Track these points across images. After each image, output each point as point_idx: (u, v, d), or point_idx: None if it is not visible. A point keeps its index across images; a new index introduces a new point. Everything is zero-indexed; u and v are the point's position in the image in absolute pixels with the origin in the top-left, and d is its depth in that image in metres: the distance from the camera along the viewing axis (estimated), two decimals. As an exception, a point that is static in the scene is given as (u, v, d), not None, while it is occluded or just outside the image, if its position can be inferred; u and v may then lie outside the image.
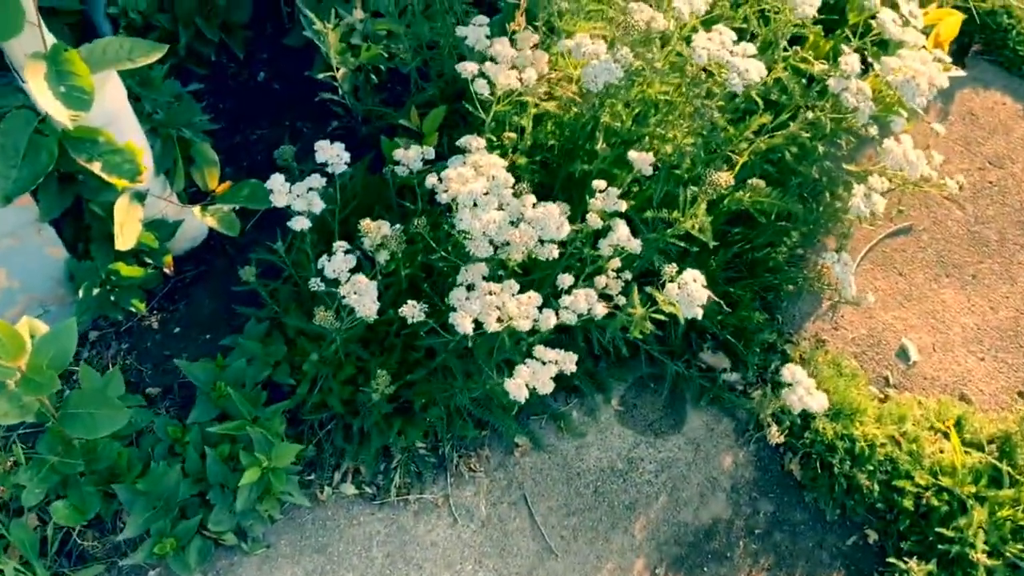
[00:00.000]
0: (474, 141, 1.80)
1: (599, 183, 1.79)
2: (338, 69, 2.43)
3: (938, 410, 2.32)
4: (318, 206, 1.84)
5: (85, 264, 2.24)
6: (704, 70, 1.86)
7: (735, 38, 1.84)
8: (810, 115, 2.20)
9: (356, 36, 2.60)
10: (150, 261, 2.35)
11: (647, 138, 2.03)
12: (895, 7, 2.42)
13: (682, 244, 2.04)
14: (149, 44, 2.01)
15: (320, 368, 2.07)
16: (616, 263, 1.84)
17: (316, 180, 1.86)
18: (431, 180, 1.76)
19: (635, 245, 1.80)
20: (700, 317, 1.76)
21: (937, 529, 2.05)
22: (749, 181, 2.14)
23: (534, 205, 1.70)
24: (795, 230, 2.40)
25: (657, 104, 1.98)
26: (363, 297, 1.74)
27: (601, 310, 1.74)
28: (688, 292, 1.75)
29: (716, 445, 2.29)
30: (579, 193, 2.08)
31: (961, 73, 2.62)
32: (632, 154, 1.85)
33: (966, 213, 2.79)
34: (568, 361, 1.76)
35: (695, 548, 2.13)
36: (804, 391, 2.01)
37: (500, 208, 1.69)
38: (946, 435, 2.26)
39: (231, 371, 2.12)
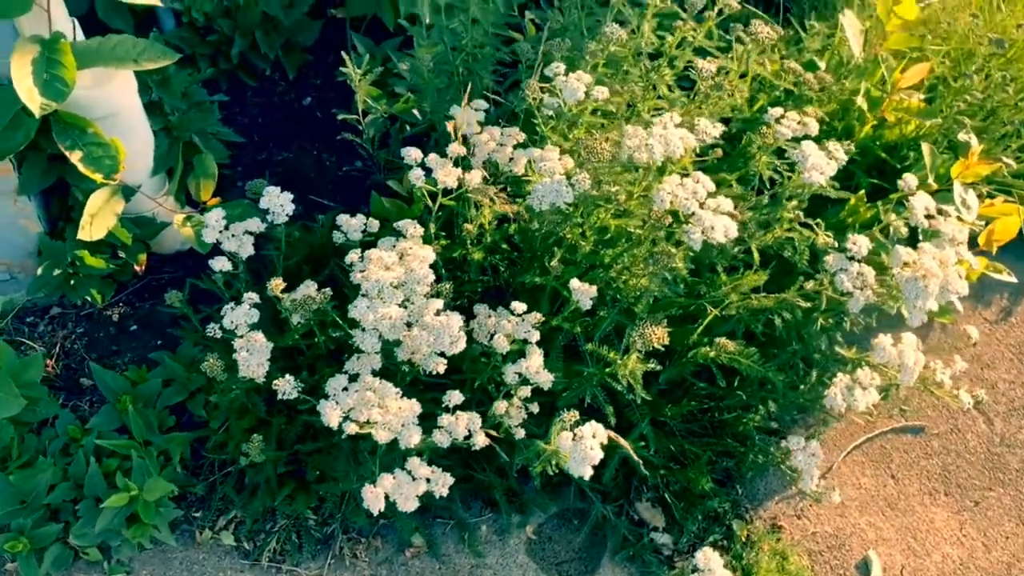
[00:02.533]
0: (411, 227, 1.71)
1: (518, 305, 1.66)
2: (365, 114, 2.39)
3: (880, 644, 2.04)
4: (247, 251, 1.79)
5: (56, 244, 2.26)
6: (675, 215, 1.70)
7: (711, 189, 1.68)
8: (809, 285, 2.00)
9: (401, 85, 2.57)
10: (123, 255, 2.36)
11: (606, 268, 1.88)
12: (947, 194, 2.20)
13: (617, 386, 1.87)
14: (161, 49, 2.02)
15: (229, 410, 2.01)
16: (525, 391, 1.70)
17: (254, 224, 1.81)
18: (352, 256, 1.68)
19: (545, 378, 1.65)
20: (587, 477, 1.59)
21: None
22: (717, 340, 1.96)
23: (438, 312, 1.58)
24: (772, 400, 2.18)
25: (620, 236, 1.84)
26: (253, 356, 1.66)
27: (481, 440, 1.60)
28: (583, 447, 1.59)
29: (620, 608, 2.08)
30: (537, 302, 1.95)
31: (1010, 279, 2.34)
32: (574, 283, 1.71)
33: (992, 429, 2.48)
34: (442, 483, 1.63)
35: None
36: (714, 580, 1.81)
37: (404, 304, 1.58)
38: (877, 676, 1.99)
39: (145, 387, 2.08)
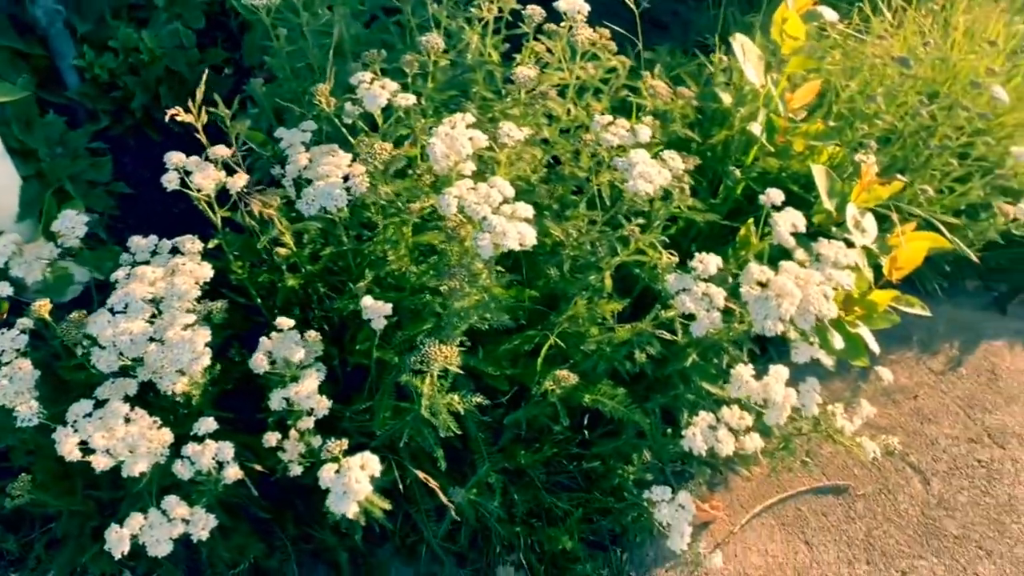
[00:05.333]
0: (188, 243, 1.58)
1: (284, 321, 1.49)
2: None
3: None
4: (33, 277, 1.67)
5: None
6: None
7: (509, 194, 1.51)
8: (666, 314, 1.79)
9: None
10: (-18, 302, 2.27)
11: (433, 291, 1.71)
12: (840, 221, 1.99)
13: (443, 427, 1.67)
14: (7, 87, 1.98)
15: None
16: (307, 423, 1.52)
17: (48, 249, 1.70)
18: (119, 274, 1.55)
19: (322, 406, 1.47)
20: (349, 515, 1.38)
21: None
22: (557, 372, 1.75)
23: (186, 327, 1.42)
24: (648, 448, 1.94)
25: (443, 254, 1.67)
26: (12, 385, 1.52)
27: (232, 474, 1.41)
28: (346, 481, 1.39)
29: None
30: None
31: (924, 313, 2.08)
32: (365, 301, 1.55)
33: (928, 490, 2.17)
34: (202, 526, 1.44)
35: None
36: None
37: (152, 320, 1.44)
38: None
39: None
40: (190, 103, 1.62)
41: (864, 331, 2.06)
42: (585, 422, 2.03)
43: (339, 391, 1.89)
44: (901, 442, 2.25)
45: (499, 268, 1.62)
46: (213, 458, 1.38)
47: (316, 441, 1.49)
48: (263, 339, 1.49)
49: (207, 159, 1.58)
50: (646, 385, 2.04)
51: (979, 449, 2.26)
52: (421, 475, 1.63)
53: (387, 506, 1.58)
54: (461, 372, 1.76)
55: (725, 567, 2.00)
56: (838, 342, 2.02)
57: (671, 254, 1.74)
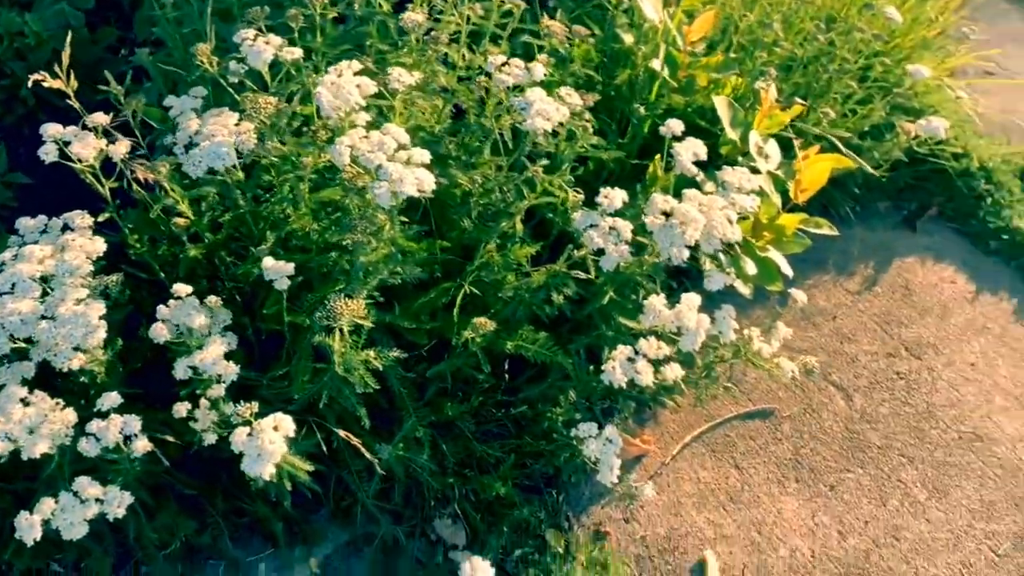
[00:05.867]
0: (79, 218, 1.52)
1: (181, 287, 1.46)
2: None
3: (710, 655, 1.77)
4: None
5: None
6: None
7: (404, 141, 1.49)
8: (578, 253, 1.80)
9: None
10: None
11: (341, 249, 1.69)
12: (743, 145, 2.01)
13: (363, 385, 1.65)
14: None
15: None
16: (218, 390, 1.49)
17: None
18: (6, 255, 1.49)
19: (229, 371, 1.44)
20: (266, 476, 1.36)
21: None
22: (475, 320, 1.75)
23: (78, 302, 1.38)
24: (572, 389, 1.95)
25: (331, 207, 1.65)
26: None
27: (141, 447, 1.38)
28: (259, 443, 1.37)
29: (410, 641, 1.82)
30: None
31: (832, 232, 2.12)
32: (266, 261, 1.51)
33: (851, 406, 2.23)
34: (118, 503, 1.41)
35: None
36: (484, 597, 1.56)
37: (43, 299, 1.39)
38: None
39: None
40: (57, 69, 1.55)
41: (776, 255, 2.10)
42: (511, 369, 2.04)
43: (256, 360, 1.86)
44: (822, 362, 2.31)
45: (403, 219, 1.60)
46: (120, 432, 1.35)
47: (229, 409, 1.46)
48: (160, 307, 1.45)
49: (84, 127, 1.52)
50: (569, 328, 2.05)
51: (897, 362, 2.33)
52: (343, 434, 1.61)
53: (309, 468, 1.57)
54: (375, 327, 1.75)
55: (659, 497, 2.04)
56: (751, 268, 2.05)
57: (576, 191, 1.74)
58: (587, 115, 1.74)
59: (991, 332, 2.40)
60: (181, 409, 1.44)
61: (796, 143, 2.17)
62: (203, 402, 1.46)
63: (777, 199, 2.06)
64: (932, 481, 2.09)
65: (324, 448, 1.76)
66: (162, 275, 1.73)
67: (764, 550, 1.98)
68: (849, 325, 2.41)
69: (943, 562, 1.96)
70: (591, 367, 1.94)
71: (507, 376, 2.01)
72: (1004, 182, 2.70)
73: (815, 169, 2.03)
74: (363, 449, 1.60)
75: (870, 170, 2.42)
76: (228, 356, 1.54)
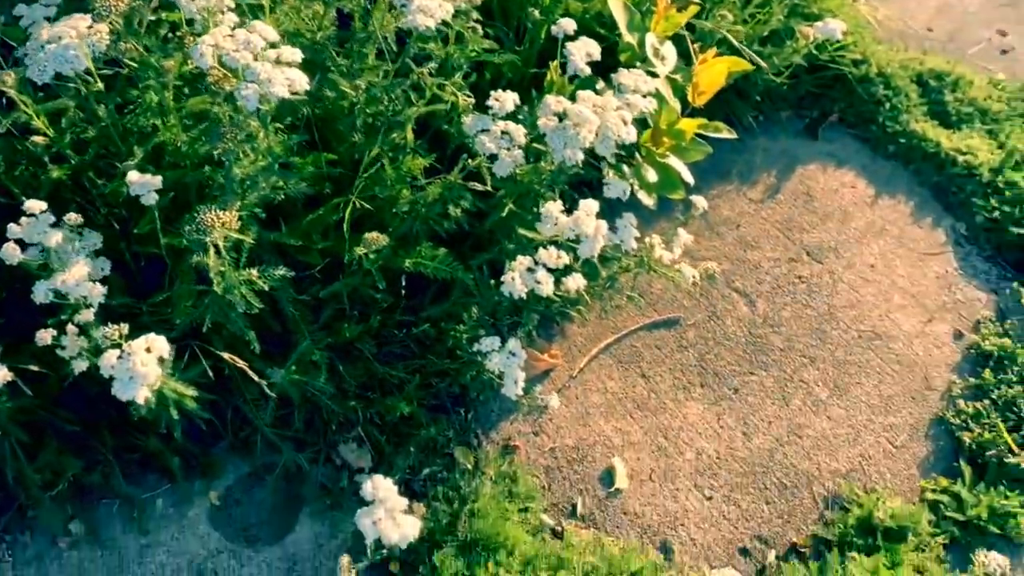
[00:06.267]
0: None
1: (34, 204, 1.35)
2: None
3: (619, 560, 1.77)
4: None
5: None
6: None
7: (272, 38, 1.39)
8: (472, 162, 1.73)
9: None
10: None
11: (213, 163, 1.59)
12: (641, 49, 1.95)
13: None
14: None
15: None
16: (87, 315, 1.39)
17: None
18: None
19: (95, 293, 1.34)
20: (141, 401, 1.29)
21: None
22: (367, 236, 1.68)
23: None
24: (475, 306, 1.90)
25: (202, 117, 1.54)
26: None
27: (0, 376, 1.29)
28: (131, 365, 1.29)
29: (318, 568, 1.79)
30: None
31: (731, 136, 2.11)
32: (131, 176, 1.41)
33: (754, 311, 2.25)
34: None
35: None
36: (385, 515, 1.52)
37: None
38: (610, 595, 1.72)
39: None
40: None
41: (677, 163, 2.08)
42: (412, 289, 1.98)
43: (137, 287, 1.76)
44: (726, 270, 2.32)
45: (278, 125, 1.51)
46: (-26, 364, 1.25)
47: (100, 334, 1.37)
48: (11, 226, 1.34)
49: None
50: (470, 244, 2.00)
51: (799, 267, 2.35)
52: (228, 357, 1.54)
53: (193, 393, 1.49)
54: (262, 247, 1.67)
55: (568, 408, 2.03)
56: (652, 175, 2.03)
57: (467, 95, 1.67)
58: (475, 14, 1.66)
59: (890, 234, 2.44)
60: (45, 336, 1.35)
61: (694, 48, 2.13)
62: (70, 327, 1.36)
63: (676, 104, 2.03)
64: (833, 380, 2.13)
65: (213, 376, 1.68)
66: (23, 200, 1.60)
67: (671, 454, 1.99)
68: (752, 233, 2.42)
69: (844, 456, 2.01)
70: (493, 282, 1.90)
71: (407, 295, 1.95)
72: (902, 87, 2.72)
73: (712, 71, 2.00)
74: (250, 372, 1.53)
75: (771, 77, 2.41)
76: (104, 282, 1.44)
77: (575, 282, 1.77)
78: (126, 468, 1.83)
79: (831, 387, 2.12)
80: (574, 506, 1.91)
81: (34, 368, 1.43)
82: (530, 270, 1.71)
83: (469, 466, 1.92)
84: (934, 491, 1.94)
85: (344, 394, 1.86)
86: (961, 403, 2.08)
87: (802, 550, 1.87)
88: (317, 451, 1.90)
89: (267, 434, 1.85)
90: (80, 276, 1.34)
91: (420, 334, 1.95)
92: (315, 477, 1.86)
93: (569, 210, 1.72)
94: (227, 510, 1.85)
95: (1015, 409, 2.04)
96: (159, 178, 1.40)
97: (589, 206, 1.70)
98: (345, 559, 1.48)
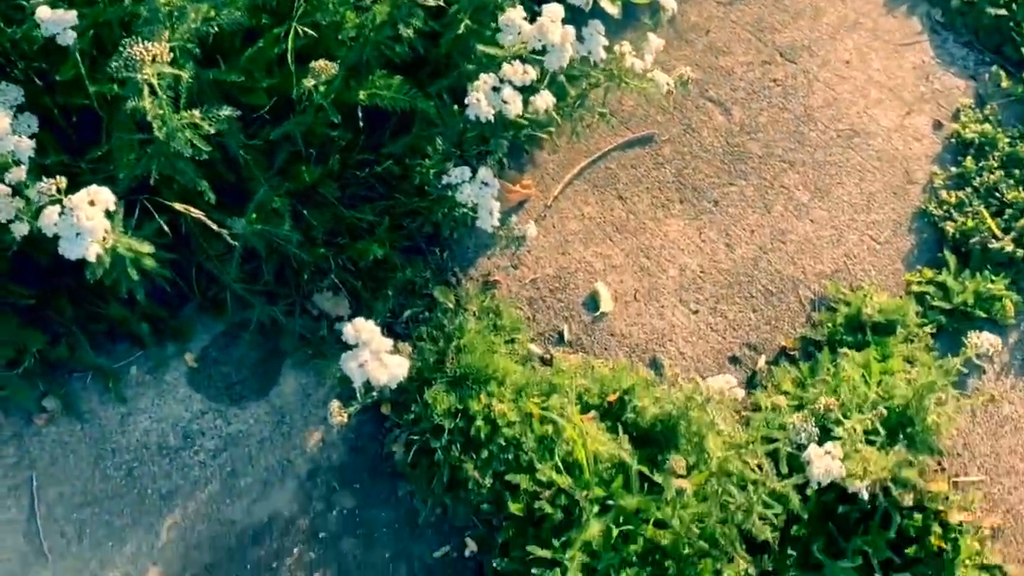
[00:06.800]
0: None
1: None
2: None
3: (610, 379, 1.76)
4: None
5: None
6: None
7: None
8: (419, -27, 1.57)
9: None
10: None
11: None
12: None
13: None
14: None
15: None
16: (19, 173, 1.27)
17: None
18: None
19: (20, 147, 1.22)
20: (92, 258, 1.19)
21: (530, 547, 1.52)
22: (313, 65, 1.54)
23: None
24: (440, 136, 1.79)
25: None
26: None
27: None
28: (76, 220, 1.18)
29: (307, 417, 1.75)
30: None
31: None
32: (41, 11, 1.26)
33: (730, 119, 2.16)
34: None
35: (234, 555, 1.62)
36: (371, 357, 1.47)
37: None
38: (605, 414, 1.71)
39: None
40: None
41: (640, -38, 1.92)
42: (372, 125, 1.86)
43: (71, 144, 1.62)
44: (699, 79, 2.20)
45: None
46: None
47: (35, 192, 1.25)
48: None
49: None
50: (429, 71, 1.86)
51: (773, 69, 2.24)
52: (181, 207, 1.44)
53: (150, 249, 1.39)
54: (202, 88, 1.53)
55: (545, 237, 1.96)
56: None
57: None
58: None
59: (863, 27, 2.33)
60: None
61: None
62: (1, 188, 1.24)
63: None
64: (814, 182, 2.07)
65: (171, 233, 1.58)
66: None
67: (653, 273, 1.95)
68: (723, 38, 2.29)
69: (828, 257, 1.98)
70: (457, 108, 1.78)
71: (366, 132, 1.83)
72: None
73: None
74: (208, 221, 1.43)
75: None
76: (35, 139, 1.31)
77: (544, 100, 1.66)
78: (93, 339, 1.75)
79: (812, 190, 2.06)
80: (560, 333, 1.87)
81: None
82: (495, 89, 1.59)
83: (451, 304, 1.86)
84: (920, 283, 1.92)
85: (312, 242, 1.77)
86: (943, 193, 2.04)
87: (792, 353, 1.86)
88: (291, 303, 1.83)
89: (236, 290, 1.77)
90: (2, 129, 1.21)
91: (384, 172, 1.84)
92: (293, 329, 1.80)
93: (532, 19, 1.59)
94: (206, 371, 1.79)
95: (997, 194, 2.01)
96: (73, 12, 1.25)
97: (554, 11, 1.57)
98: (335, 404, 1.43)
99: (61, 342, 1.70)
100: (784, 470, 1.49)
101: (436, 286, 1.88)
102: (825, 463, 1.36)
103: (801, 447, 1.40)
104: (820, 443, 1.39)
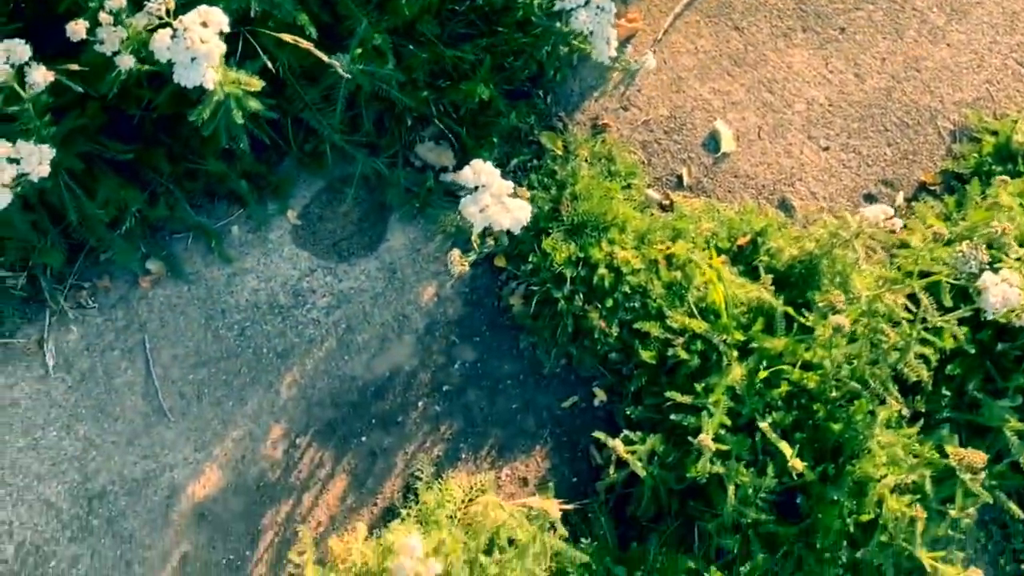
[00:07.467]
0: None
1: None
2: None
3: (739, 222, 1.64)
4: None
5: None
6: None
7: None
8: None
9: None
10: None
11: None
12: None
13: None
14: None
15: None
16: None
17: None
18: None
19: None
20: (209, 85, 1.09)
21: (669, 393, 1.44)
22: None
23: None
24: (547, -39, 1.63)
25: None
26: None
27: (41, 77, 1.09)
28: (188, 43, 1.08)
29: (419, 272, 1.68)
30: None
31: None
32: None
33: (853, -62, 1.95)
34: (38, 159, 1.14)
35: (358, 410, 1.58)
36: (492, 200, 1.38)
37: None
38: (735, 258, 1.61)
39: None
40: None
41: None
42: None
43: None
44: None
45: None
46: (7, 63, 1.04)
47: (141, 20, 1.14)
48: None
49: None
50: None
51: None
52: (289, 38, 1.32)
53: (259, 84, 1.29)
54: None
55: (657, 76, 1.82)
56: None
57: None
58: None
59: None
60: (78, 28, 1.12)
61: None
62: (103, 16, 1.13)
63: None
64: (949, 2, 1.88)
65: (269, 85, 1.47)
66: None
67: (778, 108, 1.80)
68: None
69: (968, 84, 1.81)
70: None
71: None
72: None
73: None
74: (315, 51, 1.32)
75: None
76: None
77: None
78: (191, 199, 1.68)
79: (948, 11, 1.87)
80: (679, 177, 1.75)
81: (74, 66, 1.22)
82: None
83: (559, 151, 1.74)
84: (1075, 107, 1.75)
85: (414, 84, 1.65)
86: (1100, 8, 1.83)
87: (932, 188, 1.72)
88: (394, 155, 1.72)
89: (336, 141, 1.67)
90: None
91: (485, 5, 1.70)
92: (397, 181, 1.70)
93: None
94: (310, 228, 1.71)
95: None
96: None
97: None
98: (455, 252, 1.35)
99: (160, 201, 1.63)
100: (948, 303, 1.38)
101: (542, 132, 1.76)
102: (1002, 290, 1.25)
103: (971, 276, 1.29)
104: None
